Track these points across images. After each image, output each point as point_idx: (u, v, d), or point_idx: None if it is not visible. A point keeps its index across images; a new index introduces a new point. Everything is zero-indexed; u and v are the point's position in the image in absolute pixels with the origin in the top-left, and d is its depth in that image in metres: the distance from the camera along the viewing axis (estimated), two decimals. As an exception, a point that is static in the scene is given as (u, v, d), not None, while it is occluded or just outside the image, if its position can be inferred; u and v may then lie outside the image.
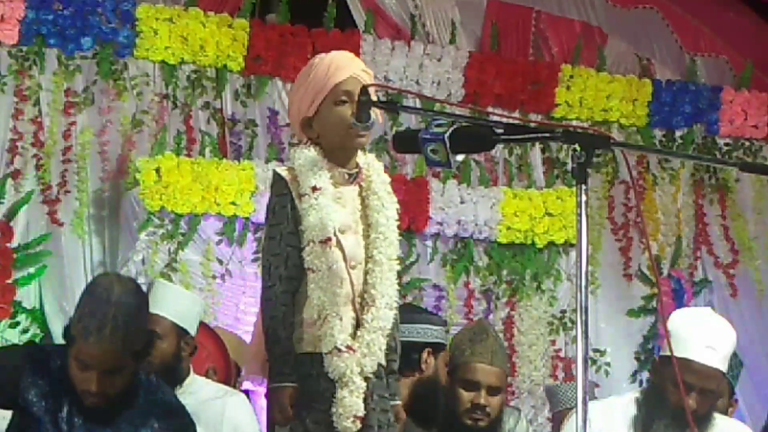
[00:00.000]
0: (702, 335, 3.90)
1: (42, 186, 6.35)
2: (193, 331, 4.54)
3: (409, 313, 4.16)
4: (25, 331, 6.21)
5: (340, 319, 3.30)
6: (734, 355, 4.67)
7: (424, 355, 3.90)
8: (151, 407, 3.58)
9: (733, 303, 7.74)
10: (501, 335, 7.11)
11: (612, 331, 7.49)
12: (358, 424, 3.30)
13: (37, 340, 6.18)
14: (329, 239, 3.29)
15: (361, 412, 3.30)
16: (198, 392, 4.38)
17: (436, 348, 4.35)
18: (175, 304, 4.43)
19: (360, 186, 3.44)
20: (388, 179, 3.50)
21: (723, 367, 3.97)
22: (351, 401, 3.29)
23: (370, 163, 3.47)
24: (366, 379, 3.32)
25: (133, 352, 3.48)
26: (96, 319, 3.41)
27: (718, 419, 4.07)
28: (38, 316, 6.24)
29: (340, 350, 3.28)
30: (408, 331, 3.94)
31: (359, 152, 3.45)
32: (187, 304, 4.60)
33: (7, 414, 3.79)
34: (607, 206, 7.66)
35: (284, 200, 3.34)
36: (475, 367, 4.32)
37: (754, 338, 7.65)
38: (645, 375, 7.37)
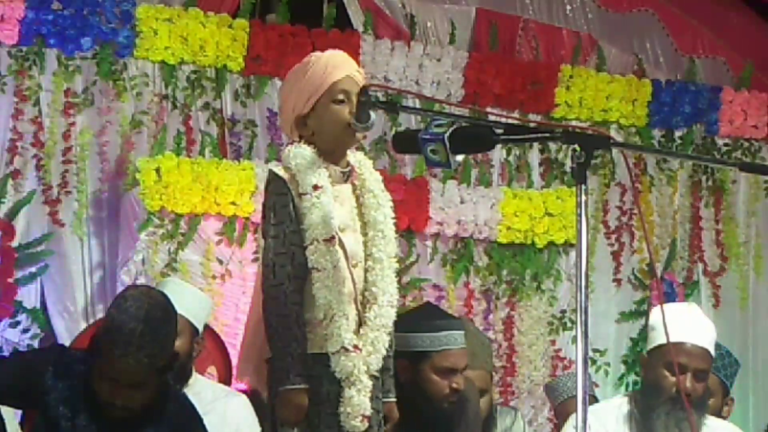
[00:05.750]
0: (688, 320, 4.02)
1: (43, 186, 6.35)
2: (200, 331, 4.54)
3: (416, 318, 4.09)
4: (25, 330, 6.21)
5: (347, 318, 3.30)
6: (729, 354, 4.73)
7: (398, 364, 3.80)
8: (167, 416, 3.57)
9: (714, 313, 7.72)
10: (501, 335, 7.13)
11: (601, 336, 7.47)
12: (366, 423, 3.31)
13: (37, 340, 6.19)
14: (333, 237, 3.29)
15: (368, 411, 3.31)
16: (201, 393, 4.38)
17: (421, 356, 4.03)
18: (190, 303, 4.43)
19: (353, 184, 3.44)
20: (381, 177, 3.50)
21: (711, 349, 4.06)
22: (359, 400, 3.29)
23: (360, 161, 3.49)
24: (371, 377, 3.33)
25: (158, 367, 3.47)
26: (123, 334, 3.40)
27: (710, 420, 4.09)
28: (39, 315, 6.24)
29: (347, 350, 3.28)
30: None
31: (348, 151, 3.45)
32: (199, 303, 4.61)
33: (9, 411, 3.79)
34: (602, 209, 7.65)
35: (285, 199, 3.34)
36: None
37: (733, 349, 7.64)
38: (632, 378, 7.38)
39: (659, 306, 4.21)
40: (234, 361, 5.42)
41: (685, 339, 3.95)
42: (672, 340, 3.86)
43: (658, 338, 4.02)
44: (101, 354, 3.44)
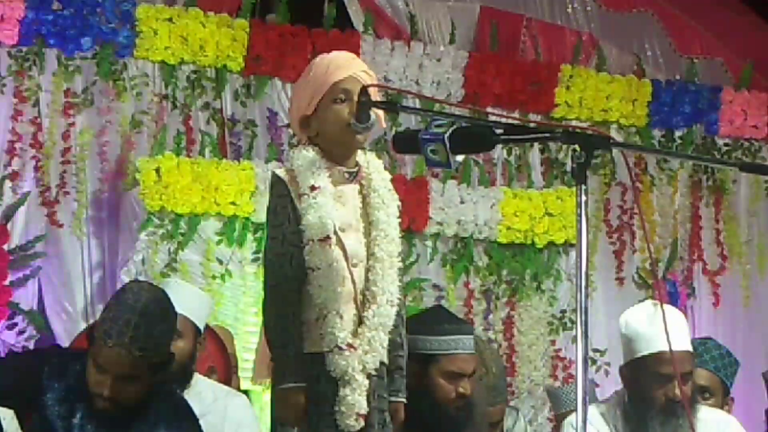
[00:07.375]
0: (658, 326, 3.91)
1: (41, 187, 6.35)
2: (202, 331, 4.55)
3: (426, 321, 4.06)
4: (22, 332, 6.21)
5: (341, 317, 3.31)
6: (729, 354, 4.73)
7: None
8: (160, 414, 3.57)
9: (714, 312, 7.71)
10: (501, 335, 7.12)
11: (602, 336, 7.45)
12: (362, 422, 3.31)
13: (33, 341, 6.19)
14: (328, 237, 3.31)
15: (364, 410, 3.31)
16: (202, 393, 4.37)
17: (428, 359, 3.95)
18: (192, 303, 4.43)
19: (360, 184, 3.45)
20: (389, 177, 3.51)
21: (689, 347, 4.04)
22: (354, 399, 3.30)
23: (369, 161, 3.49)
24: (368, 376, 3.33)
25: (151, 363, 3.46)
26: (118, 324, 3.41)
27: (702, 410, 4.10)
28: (36, 317, 6.24)
29: (341, 348, 3.30)
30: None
31: (359, 151, 3.46)
32: (201, 303, 4.61)
33: (7, 414, 3.79)
34: (603, 208, 7.65)
35: (284, 201, 3.36)
36: None
37: (737, 347, 7.63)
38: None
39: (625, 315, 4.14)
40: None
41: (663, 347, 3.86)
42: (651, 351, 3.88)
43: (637, 350, 3.97)
44: (95, 343, 3.45)
